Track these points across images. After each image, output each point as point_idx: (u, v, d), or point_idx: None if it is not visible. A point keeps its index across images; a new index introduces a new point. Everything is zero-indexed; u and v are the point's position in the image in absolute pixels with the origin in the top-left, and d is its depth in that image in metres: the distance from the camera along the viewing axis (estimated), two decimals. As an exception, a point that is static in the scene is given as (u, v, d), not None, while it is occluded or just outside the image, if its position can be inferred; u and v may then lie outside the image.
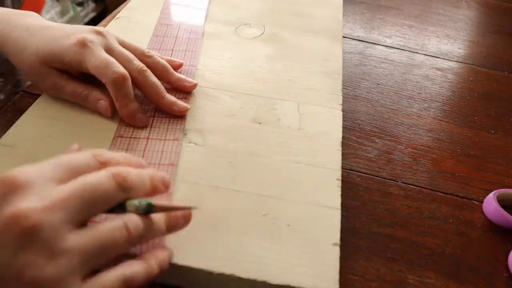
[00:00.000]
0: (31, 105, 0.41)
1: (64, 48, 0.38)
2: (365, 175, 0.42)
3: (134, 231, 0.26)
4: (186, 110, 0.41)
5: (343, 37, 0.62)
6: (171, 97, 0.41)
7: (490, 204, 0.39)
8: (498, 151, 0.47)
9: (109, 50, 0.39)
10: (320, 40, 0.55)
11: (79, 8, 1.56)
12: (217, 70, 0.48)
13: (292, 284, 0.30)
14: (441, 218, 0.39)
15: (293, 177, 0.37)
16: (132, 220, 0.26)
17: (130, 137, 0.38)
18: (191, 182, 0.35)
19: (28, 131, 0.38)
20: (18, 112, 0.41)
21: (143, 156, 0.37)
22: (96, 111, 0.40)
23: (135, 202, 0.27)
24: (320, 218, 0.34)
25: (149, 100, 0.41)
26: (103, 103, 0.39)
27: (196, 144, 0.39)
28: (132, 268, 0.25)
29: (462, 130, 0.49)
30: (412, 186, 0.41)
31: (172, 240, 0.31)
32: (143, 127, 0.39)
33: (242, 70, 0.49)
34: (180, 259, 0.30)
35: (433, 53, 0.62)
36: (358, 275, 0.34)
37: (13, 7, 0.81)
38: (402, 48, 0.62)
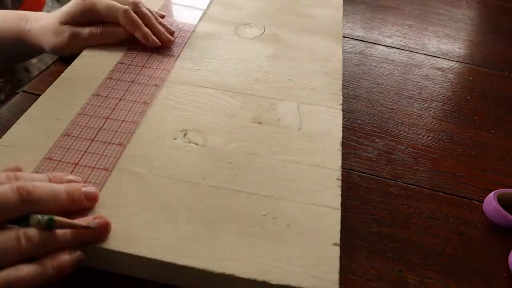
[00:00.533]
0: (31, 105, 0.41)
1: (74, 5, 0.47)
2: (365, 175, 0.42)
3: (26, 243, 0.27)
4: (171, 41, 0.50)
5: (343, 37, 0.62)
6: (160, 27, 0.50)
7: (490, 204, 0.39)
8: (498, 151, 0.47)
9: None
10: (320, 40, 0.55)
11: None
12: (217, 70, 0.48)
13: (292, 284, 0.30)
14: (441, 218, 0.39)
15: (293, 177, 0.37)
16: (28, 232, 0.27)
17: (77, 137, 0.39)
18: (191, 182, 0.35)
19: (28, 131, 0.38)
20: (18, 112, 0.41)
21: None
22: (114, 42, 0.49)
23: (38, 216, 0.27)
24: (320, 218, 0.34)
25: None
26: (119, 29, 0.48)
27: (196, 144, 0.39)
28: (18, 272, 0.26)
29: (462, 130, 0.49)
30: (412, 186, 0.41)
31: (172, 240, 0.31)
32: (156, 47, 0.49)
33: (242, 70, 0.49)
34: (180, 259, 0.30)
35: (433, 53, 0.62)
36: (358, 275, 0.34)
37: (13, 6, 0.81)
38: (402, 48, 0.62)
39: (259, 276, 0.30)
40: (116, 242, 0.31)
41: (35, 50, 0.50)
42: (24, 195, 0.27)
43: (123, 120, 0.40)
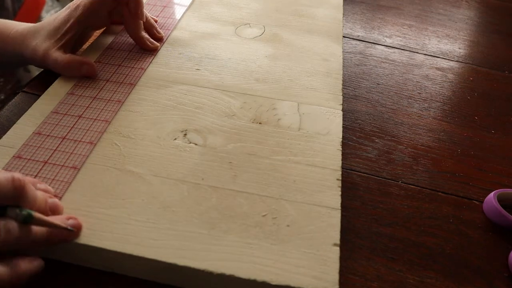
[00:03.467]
0: (31, 105, 0.41)
1: (65, 12, 0.45)
2: (365, 175, 0.42)
3: (4, 234, 0.26)
4: (156, 47, 0.50)
5: (343, 37, 0.62)
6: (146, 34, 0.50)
7: (490, 204, 0.39)
8: (498, 151, 0.47)
9: None
10: (320, 40, 0.55)
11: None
12: (217, 70, 0.48)
13: (292, 284, 0.30)
14: (441, 218, 0.39)
15: (293, 177, 0.37)
16: (7, 224, 0.27)
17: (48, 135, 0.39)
18: (191, 182, 0.35)
19: (28, 131, 0.38)
20: (18, 112, 0.41)
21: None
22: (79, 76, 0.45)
23: (17, 209, 0.27)
24: (320, 218, 0.34)
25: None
26: (85, 66, 0.44)
27: (196, 144, 0.39)
28: None
29: (462, 130, 0.49)
30: (412, 186, 0.41)
31: (172, 240, 0.31)
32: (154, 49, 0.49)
33: (242, 70, 0.49)
34: (180, 260, 0.30)
35: (433, 53, 0.62)
36: (358, 275, 0.34)
37: (14, 7, 0.81)
38: (402, 48, 0.62)
39: (259, 276, 0.30)
40: (116, 242, 0.31)
41: (19, 61, 0.48)
42: (18, 188, 0.27)
43: (95, 119, 0.40)
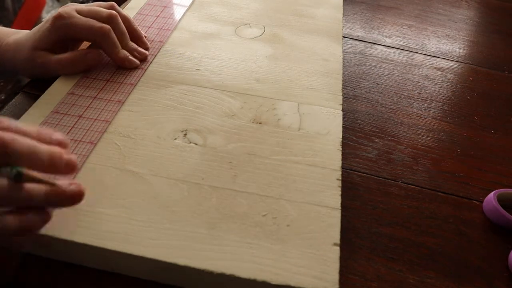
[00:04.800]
0: (31, 105, 0.41)
1: (47, 29, 0.43)
2: (365, 175, 0.42)
3: None
4: (146, 58, 0.48)
5: (343, 37, 0.62)
6: (133, 45, 0.47)
7: (490, 204, 0.39)
8: (498, 151, 0.47)
9: (80, 12, 0.44)
10: (320, 40, 0.55)
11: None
12: (217, 70, 0.48)
13: (292, 284, 0.30)
14: (441, 218, 0.39)
15: (293, 177, 0.37)
16: None
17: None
18: (191, 182, 0.35)
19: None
20: (18, 112, 0.41)
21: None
22: (85, 69, 0.45)
23: (7, 168, 0.27)
24: (320, 218, 0.34)
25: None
26: (90, 54, 0.44)
27: (196, 144, 0.39)
28: None
29: (462, 130, 0.49)
30: (412, 186, 0.41)
31: (172, 240, 0.31)
32: (135, 67, 0.46)
33: (242, 70, 0.49)
34: (180, 259, 0.30)
35: (433, 53, 0.62)
36: (358, 275, 0.34)
37: (14, 7, 0.81)
38: (402, 48, 0.62)
39: (259, 276, 0.30)
40: (116, 242, 0.31)
41: (10, 72, 0.49)
42: (1, 147, 0.27)
43: (95, 119, 0.40)
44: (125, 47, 0.46)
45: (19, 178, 0.27)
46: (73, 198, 0.30)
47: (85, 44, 0.49)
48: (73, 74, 0.45)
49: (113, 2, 0.47)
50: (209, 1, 0.61)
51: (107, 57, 0.47)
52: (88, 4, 0.47)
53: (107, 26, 0.44)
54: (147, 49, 0.49)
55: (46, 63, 0.44)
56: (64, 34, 0.43)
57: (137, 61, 0.47)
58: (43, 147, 0.29)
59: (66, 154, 0.30)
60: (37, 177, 0.28)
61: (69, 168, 0.30)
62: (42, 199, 0.28)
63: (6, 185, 0.27)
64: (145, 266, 0.31)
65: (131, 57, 0.46)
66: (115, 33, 0.45)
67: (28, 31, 0.47)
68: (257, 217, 0.33)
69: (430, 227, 0.38)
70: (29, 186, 0.28)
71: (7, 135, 0.27)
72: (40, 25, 0.45)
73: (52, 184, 0.29)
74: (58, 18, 0.43)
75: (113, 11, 0.45)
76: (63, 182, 0.29)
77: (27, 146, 0.28)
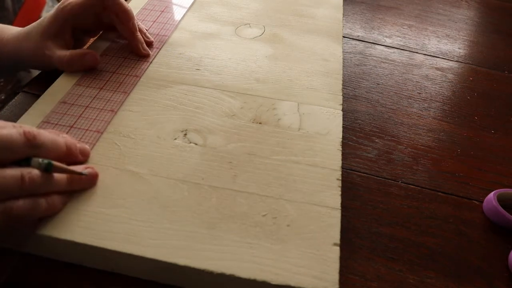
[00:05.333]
0: (31, 105, 0.41)
1: (52, 13, 0.45)
2: (365, 175, 0.42)
3: (29, 182, 0.29)
4: (148, 53, 0.49)
5: (343, 37, 0.62)
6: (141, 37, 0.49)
7: (490, 204, 0.39)
8: (498, 151, 0.47)
9: None
10: (320, 40, 0.55)
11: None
12: (217, 70, 0.48)
13: (292, 284, 0.30)
14: (441, 218, 0.39)
15: (293, 177, 0.37)
16: (32, 173, 0.29)
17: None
18: (191, 182, 0.35)
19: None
20: (18, 112, 0.41)
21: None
22: (82, 70, 0.45)
23: (39, 160, 0.30)
24: (320, 218, 0.34)
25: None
26: (88, 55, 0.45)
27: (196, 144, 0.39)
28: (15, 203, 0.28)
29: (462, 130, 0.49)
30: (412, 186, 0.41)
31: (172, 240, 0.31)
32: (146, 56, 0.48)
33: (242, 70, 0.49)
34: (180, 259, 0.30)
35: (433, 53, 0.62)
36: (358, 275, 0.34)
37: (14, 7, 0.81)
38: (402, 48, 0.62)
39: (259, 276, 0.30)
40: (116, 242, 0.31)
41: (11, 66, 0.50)
42: (30, 139, 0.30)
43: (95, 119, 0.40)
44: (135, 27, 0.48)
45: (50, 169, 0.30)
46: (90, 180, 0.34)
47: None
48: (73, 72, 0.45)
49: None
50: (209, 1, 0.61)
51: (108, 60, 0.47)
52: None
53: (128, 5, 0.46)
54: (151, 42, 0.51)
55: (51, 56, 0.44)
56: (69, 15, 0.44)
57: (149, 51, 0.49)
58: (61, 139, 0.34)
59: (79, 144, 0.36)
60: (63, 167, 0.32)
61: (84, 154, 0.36)
62: (66, 185, 0.32)
63: (40, 175, 0.30)
64: (145, 266, 0.31)
65: (144, 45, 0.48)
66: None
67: (35, 22, 0.47)
68: (257, 217, 0.33)
69: (430, 227, 0.38)
70: (56, 175, 0.31)
71: (34, 130, 0.31)
72: (47, 15, 0.46)
73: (73, 172, 0.32)
74: (61, 9, 0.44)
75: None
76: (79, 166, 0.34)
77: (49, 138, 0.32)
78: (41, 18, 0.46)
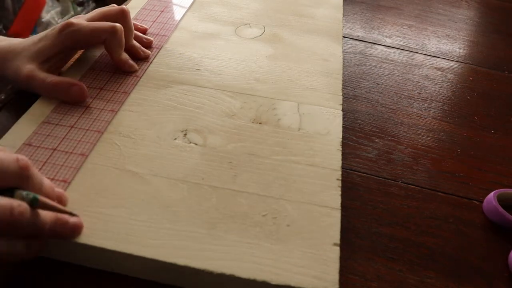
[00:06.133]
0: (31, 105, 0.41)
1: (53, 35, 0.41)
2: (365, 175, 0.42)
3: (19, 215, 0.26)
4: (135, 69, 0.46)
5: (343, 37, 0.62)
6: (136, 43, 0.48)
7: (490, 204, 0.39)
8: (498, 151, 0.47)
9: (90, 19, 0.44)
10: (320, 40, 0.55)
11: (79, 8, 1.56)
12: (217, 70, 0.48)
13: (292, 284, 0.30)
14: (441, 218, 0.39)
15: (293, 177, 0.37)
16: (22, 206, 0.26)
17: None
18: (191, 182, 0.35)
19: (28, 131, 0.38)
20: (18, 112, 0.41)
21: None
22: (66, 101, 0.41)
23: (23, 192, 0.27)
24: (320, 218, 0.34)
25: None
26: (75, 87, 0.41)
27: (196, 144, 0.39)
28: None
29: (462, 130, 0.49)
30: (412, 186, 0.41)
31: (172, 240, 0.31)
32: (134, 71, 0.46)
33: (242, 70, 0.49)
34: (180, 259, 0.30)
35: (433, 53, 0.62)
36: (358, 275, 0.34)
37: (14, 7, 0.81)
38: (402, 48, 0.62)
39: (259, 276, 0.30)
40: (116, 242, 0.31)
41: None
42: (23, 169, 0.28)
43: (95, 118, 0.40)
44: (131, 43, 0.47)
45: (35, 204, 0.27)
46: (75, 229, 0.30)
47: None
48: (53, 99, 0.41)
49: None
50: (209, 1, 0.61)
51: (108, 60, 0.47)
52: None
53: (119, 25, 0.43)
54: (151, 43, 0.50)
55: (31, 78, 0.40)
56: (71, 42, 0.42)
57: (136, 66, 0.46)
58: (47, 181, 0.31)
59: (57, 189, 0.32)
60: (50, 203, 0.29)
61: (60, 201, 0.32)
62: (50, 227, 0.29)
63: (28, 209, 0.27)
64: (145, 266, 0.31)
65: (131, 61, 0.46)
66: (123, 29, 0.44)
67: (21, 39, 0.44)
68: (257, 217, 0.33)
69: (430, 227, 0.38)
70: (42, 214, 0.28)
71: (26, 158, 0.28)
72: (42, 33, 0.43)
73: (62, 210, 0.30)
74: (67, 24, 0.41)
75: (125, 7, 0.46)
76: (65, 215, 0.30)
77: (38, 174, 0.29)
78: (34, 38, 0.43)
